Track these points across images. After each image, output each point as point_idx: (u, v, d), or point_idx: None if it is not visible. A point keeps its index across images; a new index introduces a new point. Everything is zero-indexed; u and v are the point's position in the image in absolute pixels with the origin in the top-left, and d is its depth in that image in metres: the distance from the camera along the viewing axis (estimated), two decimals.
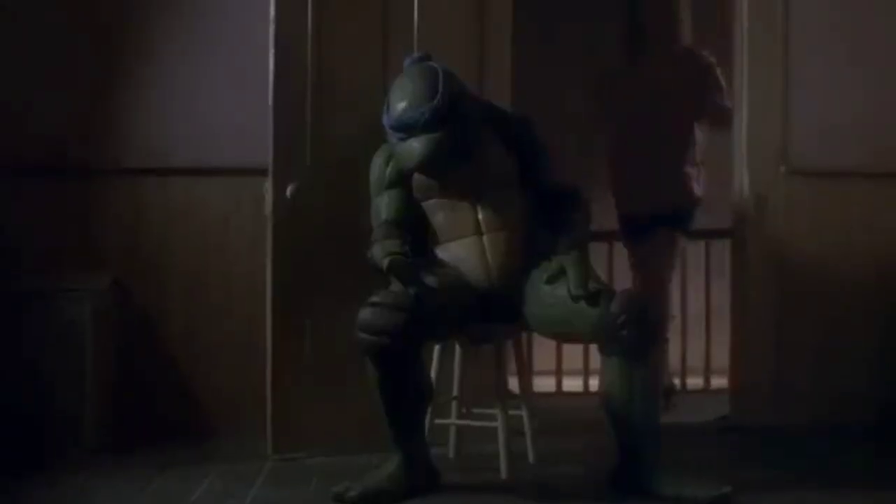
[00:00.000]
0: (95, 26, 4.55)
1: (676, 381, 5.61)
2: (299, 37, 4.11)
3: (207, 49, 4.57)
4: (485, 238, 3.71)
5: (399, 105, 3.60)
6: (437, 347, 3.94)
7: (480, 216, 3.72)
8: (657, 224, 5.01)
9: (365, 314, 3.41)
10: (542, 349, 5.55)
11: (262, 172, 4.13)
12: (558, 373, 5.81)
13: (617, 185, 5.20)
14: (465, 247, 3.71)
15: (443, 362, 3.95)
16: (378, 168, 3.81)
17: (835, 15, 4.68)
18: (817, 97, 4.66)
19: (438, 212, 3.77)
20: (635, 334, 3.43)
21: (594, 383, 5.22)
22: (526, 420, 3.97)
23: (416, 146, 3.57)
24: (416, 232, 3.74)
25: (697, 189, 5.09)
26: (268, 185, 4.09)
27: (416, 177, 3.74)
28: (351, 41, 4.20)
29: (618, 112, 5.12)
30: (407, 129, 3.58)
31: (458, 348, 3.94)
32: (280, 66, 4.08)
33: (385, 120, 3.66)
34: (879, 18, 4.70)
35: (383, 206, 3.77)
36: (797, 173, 4.66)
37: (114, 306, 4.45)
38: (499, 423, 3.80)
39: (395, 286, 3.49)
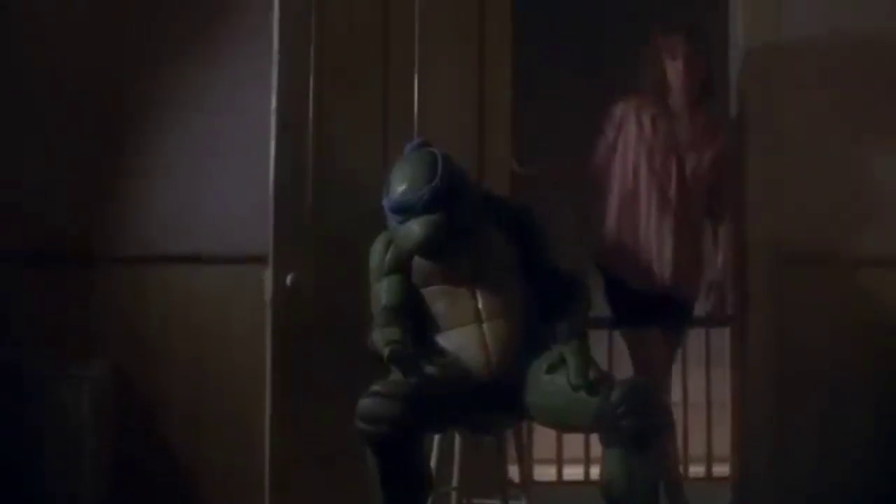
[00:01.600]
0: (97, 116, 4.59)
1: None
2: (300, 126, 4.15)
3: (207, 138, 4.61)
4: (485, 326, 3.71)
5: (399, 187, 3.63)
6: (436, 437, 3.92)
7: (480, 304, 3.73)
8: (667, 307, 4.53)
9: (365, 403, 3.40)
10: (543, 437, 5.51)
11: (261, 260, 4.14)
12: (559, 461, 5.76)
13: (620, 250, 4.57)
14: (465, 335, 3.71)
15: (443, 452, 3.93)
16: (377, 254, 3.82)
17: (835, 94, 4.71)
18: (812, 184, 4.68)
19: (438, 299, 3.77)
20: (636, 424, 3.41)
21: (595, 472, 5.17)
22: None
23: (415, 228, 3.60)
24: (415, 319, 3.74)
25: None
26: (267, 273, 4.10)
27: (416, 263, 3.75)
28: (351, 130, 4.24)
29: (634, 158, 4.53)
30: (406, 210, 3.61)
31: (458, 438, 3.91)
32: (281, 154, 4.12)
33: (385, 203, 3.69)
34: (880, 103, 4.74)
35: (383, 292, 3.78)
36: (794, 261, 4.67)
37: (113, 392, 4.44)
38: None
39: (396, 375, 3.49)
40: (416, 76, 4.31)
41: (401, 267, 3.77)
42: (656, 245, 4.47)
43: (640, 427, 3.42)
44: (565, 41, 6.94)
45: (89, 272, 4.58)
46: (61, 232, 4.55)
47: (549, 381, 3.57)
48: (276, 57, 4.09)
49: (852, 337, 4.67)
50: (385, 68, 4.32)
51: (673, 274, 4.47)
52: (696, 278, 4.60)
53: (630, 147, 4.51)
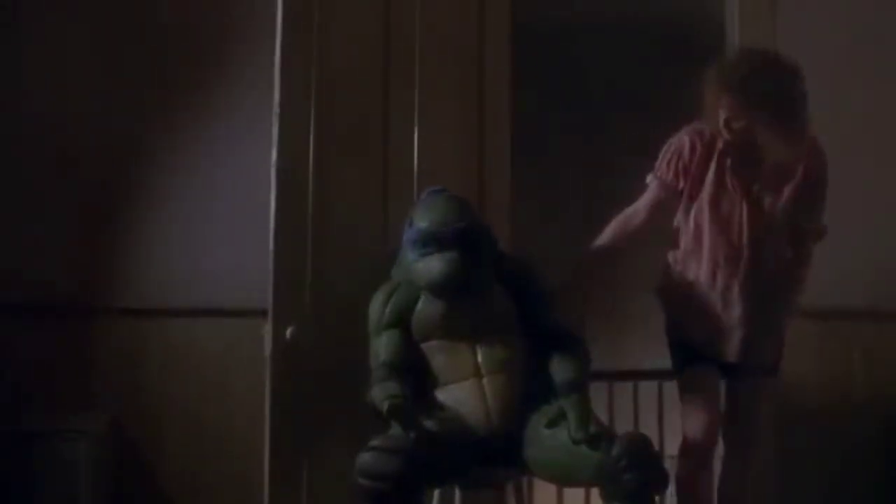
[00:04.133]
0: (97, 169, 4.62)
1: None
2: (300, 180, 4.15)
3: (207, 191, 4.63)
4: (484, 381, 3.70)
5: (429, 217, 3.72)
6: (436, 492, 3.89)
7: (480, 358, 3.72)
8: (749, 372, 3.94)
9: (364, 459, 3.38)
10: (543, 491, 5.48)
11: (261, 314, 4.14)
12: None
13: (685, 303, 3.96)
14: (465, 390, 3.70)
15: None
16: (378, 308, 3.82)
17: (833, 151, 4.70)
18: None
19: (438, 354, 3.76)
20: (637, 478, 3.39)
21: None
22: None
23: (436, 264, 3.65)
24: (415, 373, 3.73)
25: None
26: (267, 327, 4.10)
27: (416, 318, 3.75)
28: (352, 183, 4.24)
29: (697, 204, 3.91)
30: (431, 243, 3.66)
31: (458, 492, 3.89)
32: (281, 207, 4.12)
33: (408, 235, 3.74)
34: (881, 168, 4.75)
35: (382, 346, 3.77)
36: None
37: (111, 447, 4.42)
38: None
39: (395, 430, 3.47)
40: (416, 128, 4.33)
41: (401, 321, 3.76)
42: (723, 309, 3.88)
43: (641, 481, 3.40)
44: (566, 87, 6.97)
45: (88, 325, 4.59)
46: (60, 285, 4.56)
47: (549, 436, 3.55)
48: (276, 111, 4.10)
49: (856, 393, 4.66)
50: (385, 121, 4.33)
51: (742, 342, 3.88)
52: (773, 346, 3.96)
53: (693, 188, 3.89)
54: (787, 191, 3.85)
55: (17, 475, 4.17)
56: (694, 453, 3.89)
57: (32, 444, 4.22)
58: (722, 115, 3.72)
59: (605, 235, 3.97)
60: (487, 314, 3.73)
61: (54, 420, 4.32)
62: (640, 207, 3.94)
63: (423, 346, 3.77)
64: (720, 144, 3.81)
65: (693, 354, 3.92)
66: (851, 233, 4.68)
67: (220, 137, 4.66)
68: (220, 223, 4.61)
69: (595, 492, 3.69)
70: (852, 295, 4.69)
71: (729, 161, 3.82)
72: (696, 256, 3.91)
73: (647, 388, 5.10)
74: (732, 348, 3.87)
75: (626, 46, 6.26)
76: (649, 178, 3.94)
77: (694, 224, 3.90)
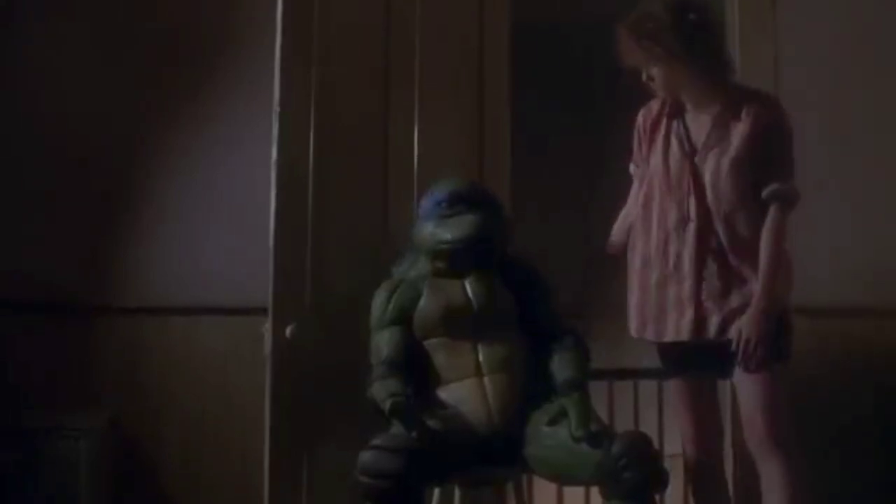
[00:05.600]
0: (97, 169, 4.62)
1: None
2: (300, 178, 4.15)
3: (207, 190, 4.63)
4: (485, 379, 3.70)
5: (454, 183, 3.89)
6: (436, 490, 3.90)
7: (481, 357, 3.72)
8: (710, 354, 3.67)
9: (366, 457, 3.39)
10: (543, 490, 5.48)
11: (261, 312, 4.13)
12: None
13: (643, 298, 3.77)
14: (466, 388, 3.70)
15: None
16: (380, 304, 3.83)
17: (834, 151, 4.72)
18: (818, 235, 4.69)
19: (439, 352, 3.77)
20: (637, 477, 3.39)
21: None
22: None
23: (469, 217, 3.77)
24: (416, 371, 3.73)
25: None
26: (267, 325, 4.10)
27: (418, 315, 3.76)
28: (351, 182, 4.25)
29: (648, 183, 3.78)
30: (462, 201, 3.80)
31: (457, 491, 3.89)
32: (281, 205, 4.12)
33: (431, 200, 3.86)
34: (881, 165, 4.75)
35: (384, 343, 3.78)
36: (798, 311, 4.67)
37: (111, 445, 4.42)
38: None
39: (397, 429, 3.48)
40: (416, 126, 4.33)
41: (403, 318, 3.77)
42: (675, 283, 3.66)
43: (641, 479, 3.40)
44: (566, 86, 6.97)
45: (88, 324, 4.58)
46: (60, 283, 4.56)
47: (549, 434, 3.56)
48: (276, 109, 4.10)
49: (855, 390, 4.65)
50: (385, 119, 4.34)
51: (695, 319, 3.63)
52: (732, 319, 3.60)
53: (644, 169, 3.80)
54: (735, 145, 3.59)
55: (17, 472, 4.17)
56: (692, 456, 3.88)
57: (32, 442, 4.22)
58: (644, 73, 3.67)
59: (614, 235, 3.96)
60: (489, 313, 3.74)
61: (54, 418, 4.32)
62: (630, 203, 3.91)
63: (425, 343, 3.77)
64: (666, 109, 3.74)
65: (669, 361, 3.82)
66: (851, 229, 4.70)
67: (220, 136, 4.66)
68: (220, 221, 4.61)
69: (595, 490, 3.69)
70: (851, 292, 4.69)
71: (674, 123, 3.70)
72: (646, 228, 3.73)
73: (648, 386, 5.09)
74: (684, 324, 3.64)
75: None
76: (632, 169, 3.92)
77: (644, 194, 3.75)
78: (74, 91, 4.66)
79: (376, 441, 3.42)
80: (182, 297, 4.58)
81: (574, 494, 5.42)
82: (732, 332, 3.58)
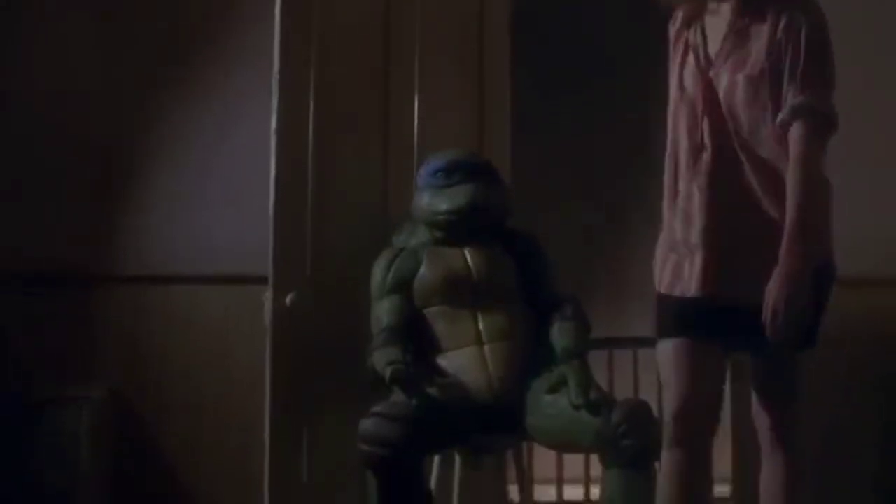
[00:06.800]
0: (96, 137, 4.60)
1: None
2: (300, 147, 4.15)
3: (208, 159, 4.62)
4: (486, 348, 3.70)
5: (451, 153, 3.90)
6: (436, 458, 3.91)
7: (481, 325, 3.73)
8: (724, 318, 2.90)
9: (366, 425, 3.40)
10: (543, 457, 5.50)
11: (262, 281, 4.13)
12: (559, 482, 5.75)
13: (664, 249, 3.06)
14: (466, 357, 3.71)
15: (443, 472, 3.92)
16: (380, 273, 3.83)
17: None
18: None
19: (439, 320, 3.77)
20: (636, 444, 3.41)
21: (596, 492, 5.15)
22: None
23: (466, 187, 3.79)
24: (417, 339, 3.74)
25: None
26: (267, 294, 4.10)
27: (418, 283, 3.76)
28: (352, 151, 4.24)
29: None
30: (460, 170, 3.81)
31: (458, 458, 3.91)
32: (281, 175, 4.11)
33: (426, 168, 3.87)
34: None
35: (384, 311, 3.78)
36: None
37: (112, 414, 4.43)
38: None
39: (397, 397, 3.48)
40: (416, 97, 4.32)
41: (403, 286, 3.78)
42: (684, 228, 2.98)
43: (640, 447, 3.41)
44: (567, 66, 6.95)
45: (88, 293, 4.58)
46: (61, 253, 4.55)
47: (549, 402, 3.56)
48: (275, 78, 4.09)
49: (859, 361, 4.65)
50: (385, 89, 4.32)
51: (704, 270, 2.89)
52: (757, 273, 2.82)
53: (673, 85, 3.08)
54: (754, 58, 2.90)
55: (19, 443, 4.18)
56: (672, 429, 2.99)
57: (33, 412, 4.22)
58: None
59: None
60: (489, 281, 3.74)
61: (55, 388, 4.32)
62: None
63: (425, 312, 3.77)
64: (687, 12, 3.07)
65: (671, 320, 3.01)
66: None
67: (221, 106, 4.65)
68: (221, 190, 4.60)
69: (594, 458, 3.71)
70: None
71: (692, 30, 3.03)
72: (671, 159, 3.05)
73: (647, 354, 5.08)
74: (694, 278, 2.91)
75: (629, 26, 6.23)
76: None
77: (671, 117, 3.07)
78: (74, 64, 4.64)
79: (377, 408, 3.43)
80: (182, 265, 4.57)
81: (573, 462, 5.46)
82: (766, 296, 2.79)
